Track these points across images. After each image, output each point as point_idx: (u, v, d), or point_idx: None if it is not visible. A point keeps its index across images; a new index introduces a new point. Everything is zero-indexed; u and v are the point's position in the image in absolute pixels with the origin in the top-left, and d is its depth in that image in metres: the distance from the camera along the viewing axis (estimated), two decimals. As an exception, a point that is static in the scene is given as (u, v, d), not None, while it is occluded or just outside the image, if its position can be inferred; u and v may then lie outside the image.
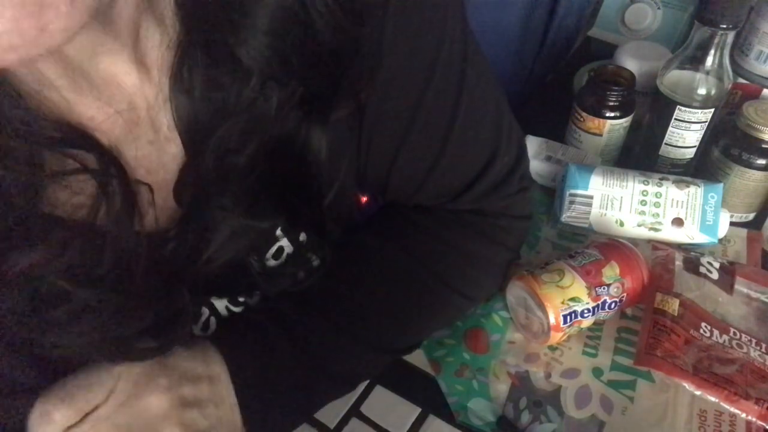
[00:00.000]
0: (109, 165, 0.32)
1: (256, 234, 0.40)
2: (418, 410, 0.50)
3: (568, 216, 0.62)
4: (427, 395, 0.51)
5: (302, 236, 0.45)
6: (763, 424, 0.46)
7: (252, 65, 0.31)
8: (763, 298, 0.55)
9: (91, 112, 0.32)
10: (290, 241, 0.45)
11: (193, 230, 0.36)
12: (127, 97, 0.33)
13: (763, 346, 0.51)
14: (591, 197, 0.62)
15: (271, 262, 0.44)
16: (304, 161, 0.38)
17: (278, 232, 0.44)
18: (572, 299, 0.50)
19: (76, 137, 0.31)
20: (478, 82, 0.43)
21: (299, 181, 0.39)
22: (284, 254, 0.45)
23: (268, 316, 0.44)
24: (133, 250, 0.33)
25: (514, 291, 0.54)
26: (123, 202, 0.32)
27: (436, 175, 0.46)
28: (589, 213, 0.62)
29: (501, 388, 0.51)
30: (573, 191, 0.62)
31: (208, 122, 0.34)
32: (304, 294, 0.45)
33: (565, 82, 0.84)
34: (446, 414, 0.50)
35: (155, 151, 0.35)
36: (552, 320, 0.50)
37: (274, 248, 0.44)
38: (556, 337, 0.51)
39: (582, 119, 0.69)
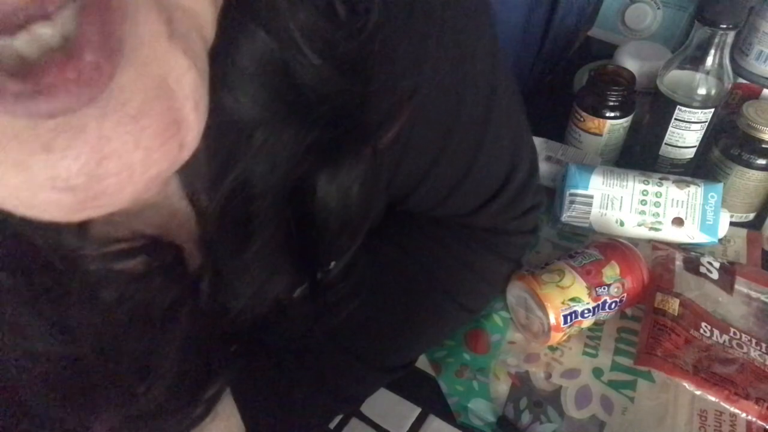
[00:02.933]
0: (162, 252, 0.30)
1: (284, 284, 0.38)
2: (418, 410, 0.50)
3: (568, 216, 0.62)
4: (427, 395, 0.51)
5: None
6: (764, 424, 0.46)
7: (236, 113, 0.28)
8: (763, 298, 0.55)
9: None
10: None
11: (217, 288, 0.34)
12: None
13: (763, 346, 0.51)
14: (591, 197, 0.62)
15: (297, 292, 0.42)
16: (330, 204, 0.35)
17: None
18: (572, 299, 0.50)
19: (137, 247, 0.29)
20: (505, 98, 0.42)
21: (324, 227, 0.36)
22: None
23: (278, 348, 0.43)
24: (173, 320, 0.31)
25: (514, 291, 0.54)
26: (172, 271, 0.31)
27: (457, 195, 0.45)
28: (589, 213, 0.62)
29: (501, 388, 0.51)
30: (573, 191, 0.62)
31: (211, 173, 0.31)
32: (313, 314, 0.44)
33: (565, 82, 0.84)
34: (446, 414, 0.50)
35: (166, 211, 0.33)
36: (552, 320, 0.49)
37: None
38: (556, 338, 0.51)
39: (582, 119, 0.69)
